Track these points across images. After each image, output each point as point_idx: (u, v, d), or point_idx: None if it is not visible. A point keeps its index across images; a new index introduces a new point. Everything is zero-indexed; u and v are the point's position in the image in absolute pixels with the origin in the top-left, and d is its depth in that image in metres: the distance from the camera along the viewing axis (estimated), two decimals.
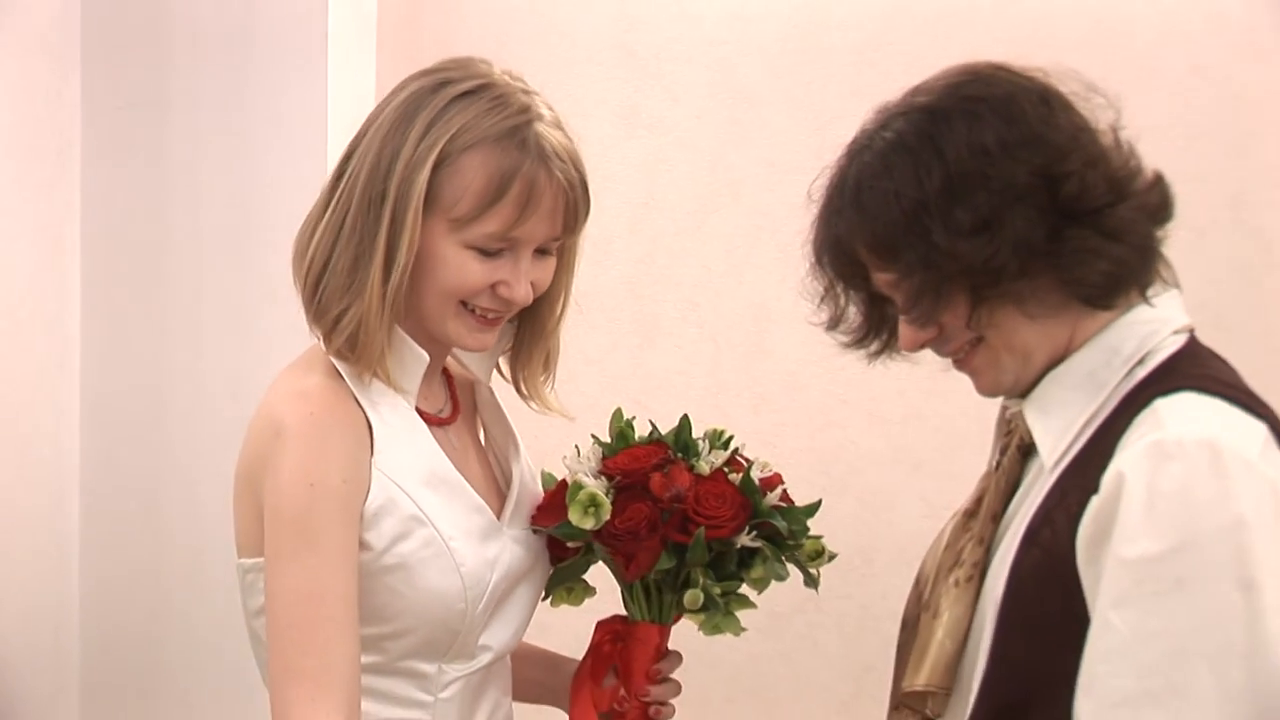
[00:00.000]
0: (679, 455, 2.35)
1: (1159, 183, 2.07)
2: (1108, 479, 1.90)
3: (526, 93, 2.23)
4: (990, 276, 1.99)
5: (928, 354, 3.75)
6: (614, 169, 3.91)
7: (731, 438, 2.41)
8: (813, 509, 2.39)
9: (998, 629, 1.99)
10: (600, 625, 2.44)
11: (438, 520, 2.20)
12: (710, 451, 2.36)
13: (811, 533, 2.40)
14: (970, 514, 2.13)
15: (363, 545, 2.16)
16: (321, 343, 2.24)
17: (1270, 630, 1.81)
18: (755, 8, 4.00)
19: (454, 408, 2.39)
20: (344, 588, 2.12)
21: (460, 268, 2.18)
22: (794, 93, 3.99)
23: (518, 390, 2.43)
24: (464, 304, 2.22)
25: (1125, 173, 2.02)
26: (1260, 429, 1.92)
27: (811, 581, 2.42)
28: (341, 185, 2.21)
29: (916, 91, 2.09)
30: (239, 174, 3.83)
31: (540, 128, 2.19)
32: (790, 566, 2.41)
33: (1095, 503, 1.90)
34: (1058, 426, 2.04)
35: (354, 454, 2.16)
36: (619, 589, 2.41)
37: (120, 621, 3.94)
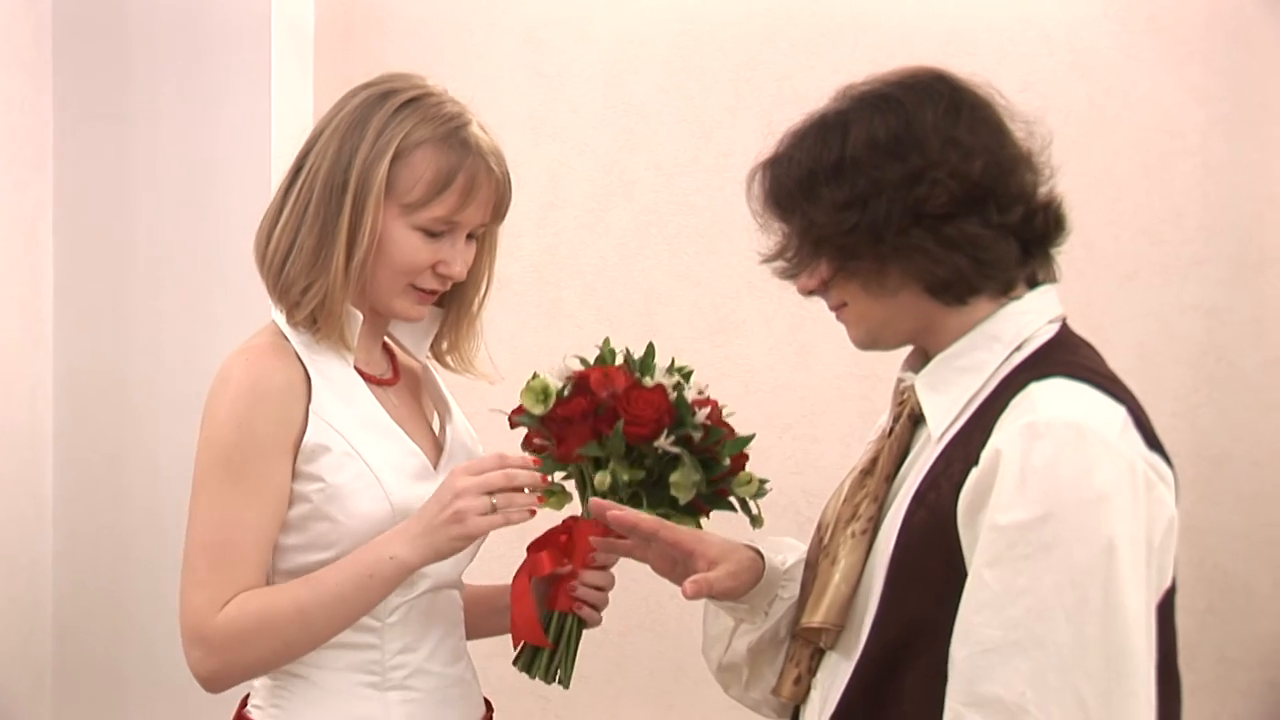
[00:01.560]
0: (639, 373, 2.39)
1: (1042, 211, 2.08)
2: (987, 454, 1.93)
3: (455, 102, 2.34)
4: (844, 251, 2.04)
5: (797, 331, 3.81)
6: (523, 172, 3.88)
7: (692, 371, 2.44)
8: (744, 440, 2.40)
9: (889, 578, 2.03)
10: (564, 520, 2.45)
11: (369, 457, 2.27)
12: (667, 373, 2.40)
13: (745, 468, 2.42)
14: (866, 472, 2.15)
15: (309, 478, 2.24)
16: (283, 316, 2.31)
17: (1122, 591, 1.86)
18: (646, 33, 4.05)
19: (394, 373, 2.44)
20: (255, 519, 2.22)
21: (410, 247, 2.28)
22: (679, 106, 4.05)
23: (443, 363, 2.51)
24: (410, 284, 2.31)
25: (996, 190, 2.02)
26: (1120, 411, 1.96)
27: (756, 522, 2.41)
28: (300, 179, 2.30)
29: (868, 80, 2.11)
30: (193, 176, 3.86)
31: (474, 130, 2.32)
32: (736, 506, 2.43)
33: (975, 474, 1.93)
34: (945, 403, 2.06)
35: (287, 402, 2.24)
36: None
37: (88, 569, 3.96)
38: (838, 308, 2.14)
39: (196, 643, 2.21)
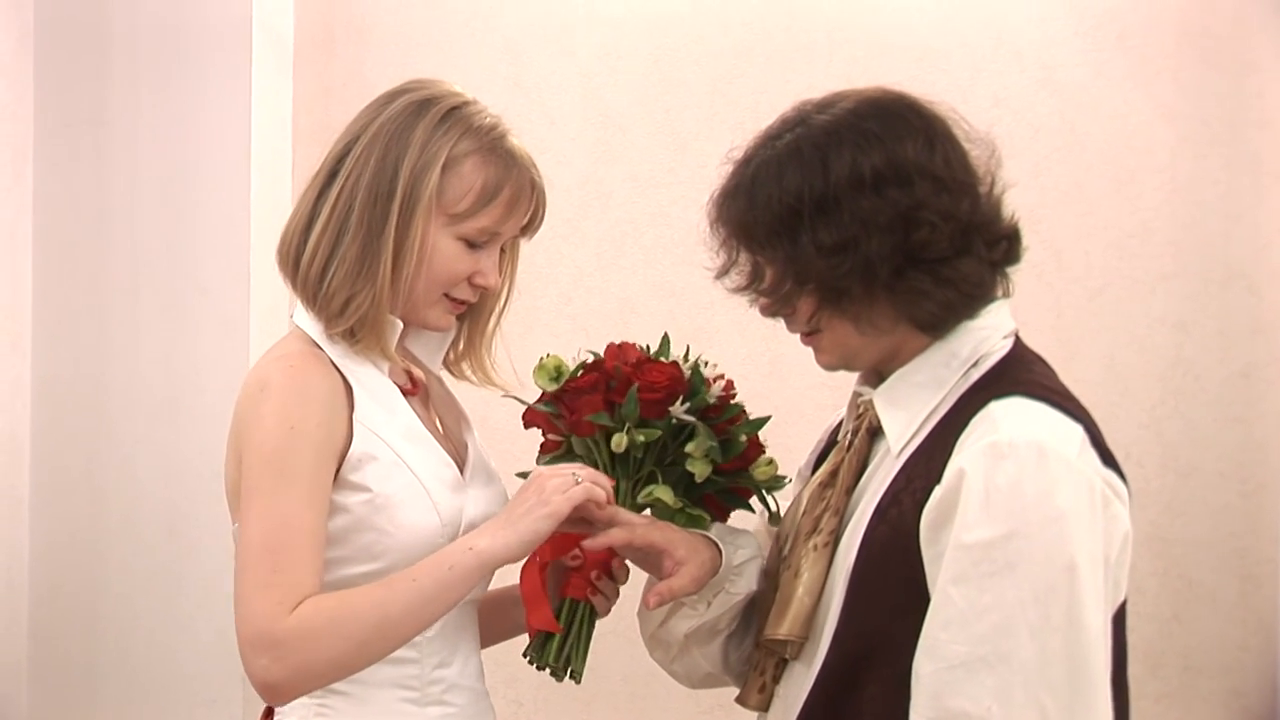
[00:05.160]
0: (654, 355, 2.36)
1: (1010, 237, 2.08)
2: (950, 473, 1.95)
3: (490, 111, 2.31)
4: (835, 294, 2.03)
5: (770, 342, 3.82)
6: None
7: (709, 361, 2.38)
8: (760, 422, 2.36)
9: (849, 591, 2.05)
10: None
11: (416, 467, 2.22)
12: (684, 359, 2.35)
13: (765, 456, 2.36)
14: (826, 485, 2.15)
15: (354, 488, 2.18)
16: (319, 326, 2.24)
17: (1083, 607, 1.89)
18: (623, 46, 4.07)
19: (414, 384, 2.37)
20: (313, 521, 2.13)
21: (452, 256, 2.24)
22: (655, 118, 4.06)
23: (456, 373, 2.45)
24: (445, 294, 2.28)
25: (981, 226, 2.04)
26: (1078, 430, 1.97)
27: (774, 519, 2.36)
28: (337, 187, 2.23)
29: (833, 100, 2.10)
30: (172, 182, 3.86)
31: (512, 140, 2.30)
32: (754, 506, 2.38)
33: (938, 492, 1.95)
34: (904, 418, 2.08)
35: (332, 405, 2.17)
36: None
37: (64, 574, 3.96)
38: (810, 334, 2.14)
39: (265, 648, 2.07)
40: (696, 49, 4.08)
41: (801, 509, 2.18)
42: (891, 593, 1.99)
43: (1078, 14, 3.98)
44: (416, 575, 2.12)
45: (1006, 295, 2.13)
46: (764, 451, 2.36)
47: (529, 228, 2.35)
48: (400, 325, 2.26)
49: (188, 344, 3.80)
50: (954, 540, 1.91)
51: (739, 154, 2.14)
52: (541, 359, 2.36)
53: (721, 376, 2.35)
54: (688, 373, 2.32)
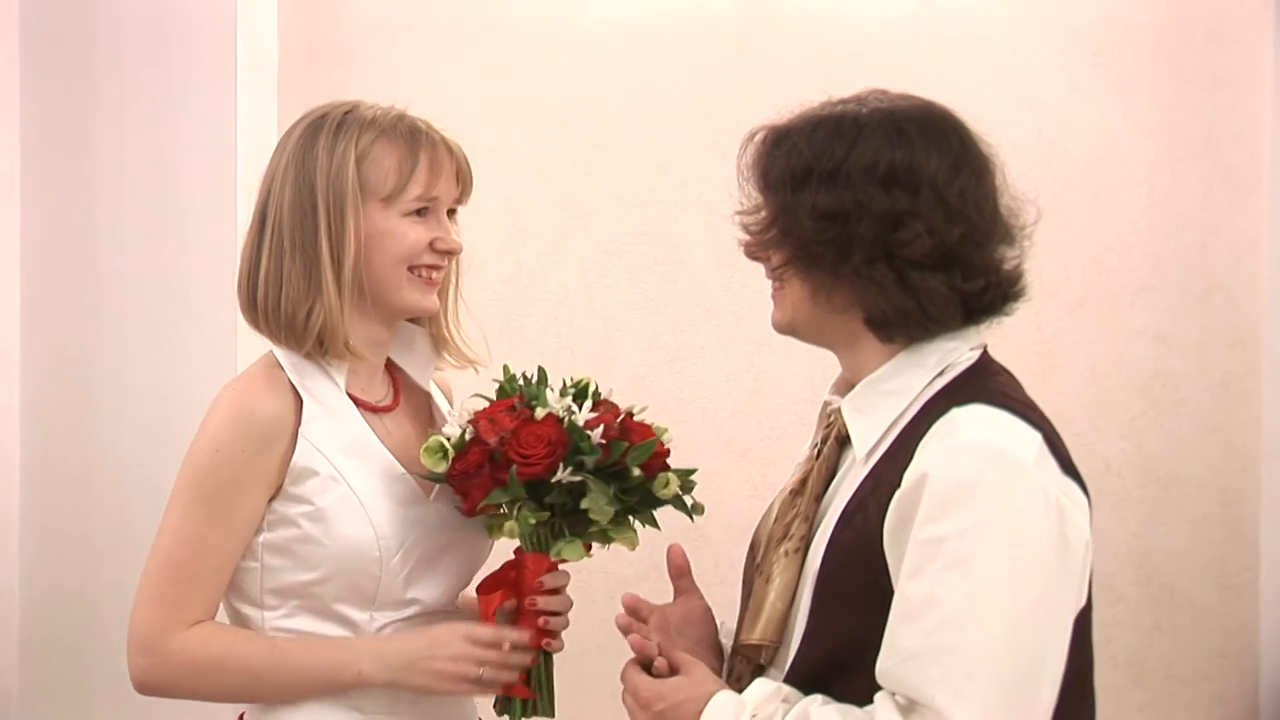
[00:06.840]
0: (531, 403, 2.32)
1: (993, 282, 2.10)
2: (911, 475, 1.97)
3: (379, 105, 2.38)
4: (807, 255, 2.09)
5: (754, 358, 3.82)
6: (485, 203, 3.89)
7: (588, 383, 2.36)
8: (650, 443, 2.30)
9: (815, 596, 2.08)
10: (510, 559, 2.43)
11: (353, 480, 2.29)
12: (560, 398, 2.31)
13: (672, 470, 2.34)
14: (796, 492, 2.18)
15: (297, 500, 2.27)
16: (294, 353, 2.32)
17: (1027, 606, 1.92)
18: (604, 66, 4.09)
19: (395, 399, 2.45)
20: (219, 543, 2.26)
21: (404, 234, 2.31)
22: (638, 138, 4.08)
23: (441, 365, 2.51)
24: (411, 269, 2.34)
25: (964, 260, 2.06)
26: (1036, 437, 1.99)
27: (696, 510, 2.36)
28: (268, 225, 2.33)
29: (899, 96, 2.15)
30: (159, 205, 3.85)
31: (412, 117, 2.36)
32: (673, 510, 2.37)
33: (899, 495, 1.98)
34: (870, 425, 2.11)
35: (270, 433, 2.26)
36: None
37: (56, 587, 3.93)
38: (776, 286, 2.19)
39: (144, 652, 2.26)
40: (677, 69, 4.10)
41: (773, 516, 2.21)
42: (857, 596, 2.01)
43: (1054, 31, 4.01)
44: (301, 667, 2.27)
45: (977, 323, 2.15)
46: (664, 467, 2.34)
47: (464, 191, 2.41)
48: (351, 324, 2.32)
49: (175, 363, 3.80)
50: (912, 537, 1.93)
51: (803, 106, 2.18)
52: (425, 442, 2.32)
53: (602, 417, 2.31)
54: (564, 419, 2.29)
